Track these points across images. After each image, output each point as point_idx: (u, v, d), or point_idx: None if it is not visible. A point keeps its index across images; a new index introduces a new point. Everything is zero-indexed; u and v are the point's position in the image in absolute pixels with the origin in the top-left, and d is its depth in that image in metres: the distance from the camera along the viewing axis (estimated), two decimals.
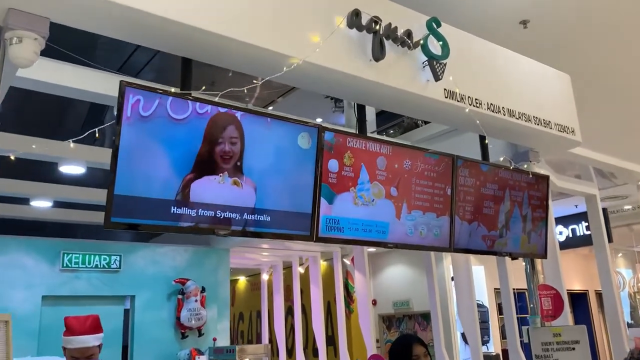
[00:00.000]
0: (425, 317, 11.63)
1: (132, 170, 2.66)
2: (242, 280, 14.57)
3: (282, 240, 3.00)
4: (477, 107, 3.95)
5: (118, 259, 7.09)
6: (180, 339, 7.31)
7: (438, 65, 3.63)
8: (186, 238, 8.21)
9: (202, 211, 2.84)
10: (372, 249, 11.90)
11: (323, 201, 3.29)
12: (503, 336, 11.59)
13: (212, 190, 2.84)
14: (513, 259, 4.55)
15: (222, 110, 2.92)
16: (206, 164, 2.84)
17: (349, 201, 3.41)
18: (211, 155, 2.85)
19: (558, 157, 5.30)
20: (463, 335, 10.93)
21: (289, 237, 3.19)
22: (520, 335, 6.22)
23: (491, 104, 4.05)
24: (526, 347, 6.01)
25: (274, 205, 3.10)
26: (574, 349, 4.58)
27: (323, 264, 11.13)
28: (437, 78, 3.63)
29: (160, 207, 2.72)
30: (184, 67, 3.03)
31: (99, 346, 3.42)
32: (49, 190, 5.97)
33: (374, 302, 12.52)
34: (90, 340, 3.34)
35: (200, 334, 7.43)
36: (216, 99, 2.92)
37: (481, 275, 11.29)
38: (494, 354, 10.83)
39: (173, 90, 2.92)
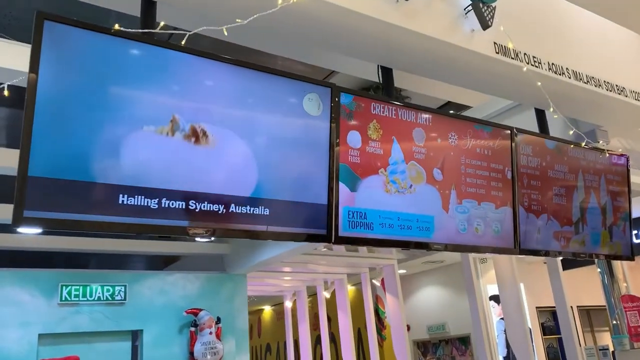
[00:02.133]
0: (463, 341, 10.42)
1: (57, 139, 1.71)
2: (267, 310, 13.48)
3: (287, 241, 1.99)
4: (536, 66, 2.94)
5: (123, 289, 6.12)
6: None
7: (486, 9, 2.65)
8: (198, 264, 7.23)
9: (166, 201, 1.86)
10: (402, 271, 10.80)
11: (343, 188, 2.29)
12: (549, 358, 10.29)
13: (173, 161, 1.87)
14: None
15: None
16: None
17: (379, 187, 2.40)
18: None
19: (627, 137, 4.20)
20: (505, 359, 9.69)
21: (298, 238, 2.18)
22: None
23: (553, 63, 3.04)
24: None
25: (274, 193, 2.11)
26: None
27: (351, 289, 10.02)
28: (485, 25, 2.65)
29: (96, 194, 1.75)
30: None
31: None
32: None
33: (408, 328, 11.32)
34: None
35: None
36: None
37: (522, 293, 10.07)
38: None
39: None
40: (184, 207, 1.89)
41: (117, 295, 6.08)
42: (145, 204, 1.83)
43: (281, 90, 2.17)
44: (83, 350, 5.95)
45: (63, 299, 5.79)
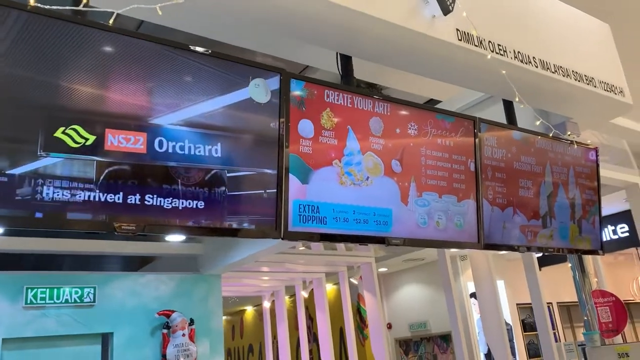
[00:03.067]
0: (445, 338, 10.33)
1: None
2: (249, 311, 13.31)
3: (228, 237, 1.83)
4: (501, 54, 2.82)
5: (92, 291, 5.91)
6: None
7: None
8: (172, 265, 7.04)
9: (89, 193, 1.71)
10: (383, 269, 10.68)
11: (293, 180, 2.15)
12: (529, 355, 10.25)
13: None
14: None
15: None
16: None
17: (333, 180, 2.26)
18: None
19: (598, 129, 4.11)
20: (486, 356, 9.62)
21: (242, 233, 2.03)
22: None
23: (519, 52, 2.93)
24: None
25: (213, 186, 1.96)
26: None
27: (333, 288, 9.89)
28: (445, 10, 2.53)
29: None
30: None
31: None
32: None
33: (389, 326, 11.21)
34: None
35: None
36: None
37: (501, 289, 10.02)
38: None
39: None
40: (110, 200, 1.74)
41: (86, 298, 5.87)
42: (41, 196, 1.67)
43: (224, 75, 2.02)
44: (50, 355, 5.74)
45: (28, 302, 5.57)
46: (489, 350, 9.44)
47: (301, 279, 8.36)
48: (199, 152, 1.93)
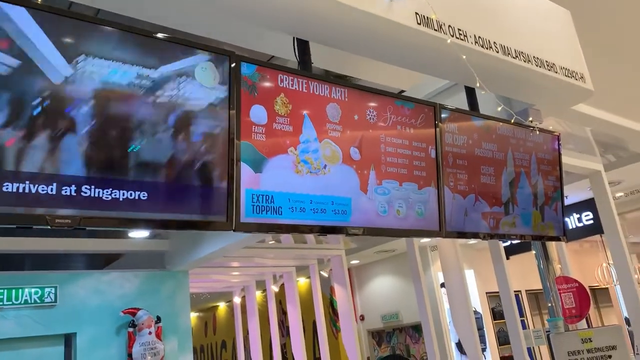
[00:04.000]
0: (417, 329, 10.36)
1: None
2: (222, 307, 13.14)
3: (178, 230, 1.71)
4: (461, 39, 2.76)
5: (53, 291, 5.69)
6: None
7: None
8: (138, 262, 6.85)
9: (19, 184, 1.57)
10: (355, 261, 10.65)
11: (245, 168, 2.04)
12: (500, 343, 10.37)
13: None
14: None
15: None
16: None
17: (288, 168, 2.16)
18: None
19: (560, 117, 4.10)
20: (458, 344, 9.68)
21: (190, 226, 1.92)
22: None
23: (479, 37, 2.86)
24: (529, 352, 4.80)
25: (161, 174, 1.84)
26: (610, 357, 3.33)
27: (305, 282, 9.81)
28: None
29: None
30: None
31: None
32: None
33: (362, 318, 11.20)
34: None
35: None
36: None
37: (471, 279, 10.11)
38: None
39: None
40: (42, 191, 1.60)
41: (46, 298, 5.65)
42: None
43: (168, 58, 1.90)
44: (10, 358, 5.51)
45: None
46: (459, 339, 9.52)
47: (271, 274, 8.25)
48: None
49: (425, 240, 9.18)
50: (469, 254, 9.96)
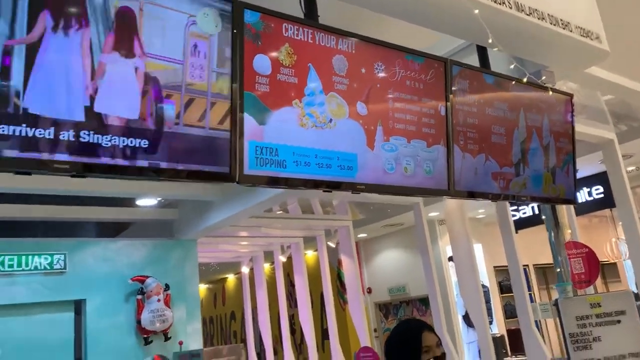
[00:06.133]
0: (424, 301, 10.36)
1: None
2: (231, 278, 13.24)
3: (179, 181, 1.66)
4: None
5: (62, 258, 5.72)
6: (143, 345, 5.94)
7: None
8: (147, 231, 6.86)
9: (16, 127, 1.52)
10: (362, 234, 10.62)
11: (249, 120, 1.98)
12: (507, 316, 10.37)
13: None
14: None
15: None
16: None
17: (293, 121, 2.09)
18: None
19: (574, 79, 3.97)
20: (464, 317, 9.70)
21: (194, 176, 1.87)
22: None
23: None
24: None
25: (165, 122, 1.78)
26: (619, 321, 3.28)
27: (313, 255, 9.81)
28: None
29: None
30: None
31: None
32: None
33: (369, 290, 11.23)
34: None
35: (166, 338, 6.05)
36: None
37: (479, 253, 10.06)
38: (498, 335, 9.56)
39: None
40: (39, 135, 1.55)
41: (56, 264, 5.69)
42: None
43: (170, 4, 1.82)
44: (22, 323, 5.57)
45: None
46: (466, 312, 9.52)
47: (279, 244, 8.24)
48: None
49: (433, 214, 9.12)
50: (477, 229, 9.89)
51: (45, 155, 1.57)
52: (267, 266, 9.18)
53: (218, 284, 13.74)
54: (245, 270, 9.15)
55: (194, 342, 6.25)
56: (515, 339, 9.48)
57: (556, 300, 3.20)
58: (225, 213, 5.67)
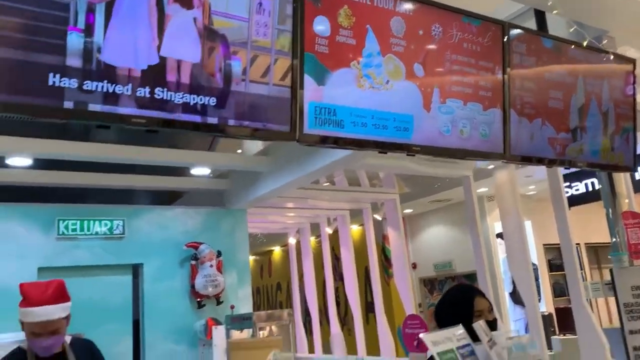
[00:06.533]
0: (470, 278, 10.31)
1: None
2: (277, 251, 13.54)
3: (245, 139, 1.76)
4: None
5: (121, 223, 6.03)
6: (196, 309, 6.22)
7: None
8: (199, 201, 7.11)
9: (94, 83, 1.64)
10: (408, 210, 10.62)
11: (309, 80, 2.05)
12: (555, 295, 10.21)
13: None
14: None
15: None
16: None
17: (351, 82, 2.15)
18: None
19: (637, 46, 3.83)
20: (511, 295, 9.61)
21: (256, 134, 1.96)
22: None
23: None
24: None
25: (229, 82, 1.87)
26: None
27: (357, 229, 9.90)
28: None
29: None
30: None
31: (66, 318, 2.49)
32: (30, 145, 4.91)
33: (414, 266, 11.27)
34: (53, 312, 2.41)
35: (218, 303, 6.32)
36: None
37: (529, 230, 9.89)
38: (546, 313, 9.45)
39: None
40: (118, 91, 1.67)
41: (115, 230, 5.99)
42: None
43: None
44: (84, 283, 5.91)
45: (61, 233, 5.72)
46: (513, 289, 9.42)
47: (325, 216, 8.36)
48: None
49: (482, 189, 9.02)
50: (528, 205, 9.71)
51: (124, 110, 1.69)
52: (312, 239, 9.34)
53: (264, 256, 14.07)
54: (292, 241, 9.34)
55: (245, 306, 6.50)
56: (563, 317, 9.34)
57: (611, 269, 3.17)
58: (274, 184, 5.80)
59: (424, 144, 2.30)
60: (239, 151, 6.38)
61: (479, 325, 2.05)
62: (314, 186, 6.83)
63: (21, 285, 2.53)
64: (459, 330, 1.99)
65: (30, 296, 2.45)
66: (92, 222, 5.88)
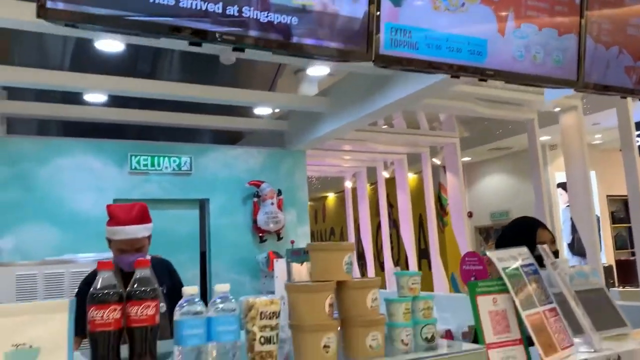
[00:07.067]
0: None
1: None
2: (331, 197, 13.82)
3: (319, 59, 1.87)
4: None
5: (189, 161, 6.34)
6: (258, 243, 6.56)
7: None
8: (259, 140, 7.34)
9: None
10: (466, 158, 10.53)
11: (385, 1, 2.10)
12: (616, 247, 10.01)
13: None
14: None
15: None
16: None
17: (427, 4, 2.19)
18: None
19: None
20: (569, 245, 9.50)
21: (332, 53, 2.05)
22: None
23: None
24: None
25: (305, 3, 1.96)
26: None
27: (413, 177, 9.94)
28: None
29: None
30: None
31: (148, 238, 2.72)
32: (104, 82, 5.19)
33: (470, 214, 11.26)
34: (139, 231, 2.66)
35: (279, 238, 6.63)
36: None
37: (593, 180, 9.64)
38: (606, 265, 9.31)
39: None
40: (204, 8, 1.80)
41: (183, 166, 6.32)
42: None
43: None
44: (155, 215, 6.22)
45: (133, 167, 6.09)
46: (572, 240, 9.30)
47: (382, 160, 8.44)
48: None
49: (544, 137, 8.80)
50: (592, 154, 9.41)
51: (214, 27, 1.82)
52: (367, 186, 9.48)
53: (319, 201, 14.39)
54: (348, 185, 9.51)
55: (303, 243, 6.77)
56: (623, 270, 9.20)
57: None
58: (333, 125, 5.90)
59: (497, 69, 2.33)
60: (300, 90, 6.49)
61: (543, 248, 2.13)
62: (371, 128, 6.90)
63: (108, 206, 2.75)
64: (524, 249, 2.08)
65: (117, 216, 2.68)
66: (161, 158, 6.21)
